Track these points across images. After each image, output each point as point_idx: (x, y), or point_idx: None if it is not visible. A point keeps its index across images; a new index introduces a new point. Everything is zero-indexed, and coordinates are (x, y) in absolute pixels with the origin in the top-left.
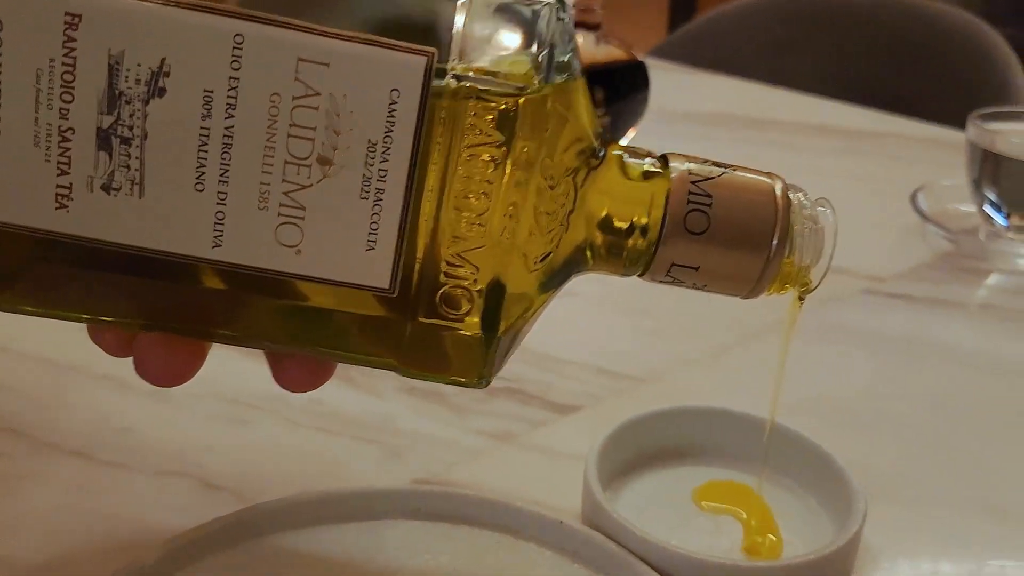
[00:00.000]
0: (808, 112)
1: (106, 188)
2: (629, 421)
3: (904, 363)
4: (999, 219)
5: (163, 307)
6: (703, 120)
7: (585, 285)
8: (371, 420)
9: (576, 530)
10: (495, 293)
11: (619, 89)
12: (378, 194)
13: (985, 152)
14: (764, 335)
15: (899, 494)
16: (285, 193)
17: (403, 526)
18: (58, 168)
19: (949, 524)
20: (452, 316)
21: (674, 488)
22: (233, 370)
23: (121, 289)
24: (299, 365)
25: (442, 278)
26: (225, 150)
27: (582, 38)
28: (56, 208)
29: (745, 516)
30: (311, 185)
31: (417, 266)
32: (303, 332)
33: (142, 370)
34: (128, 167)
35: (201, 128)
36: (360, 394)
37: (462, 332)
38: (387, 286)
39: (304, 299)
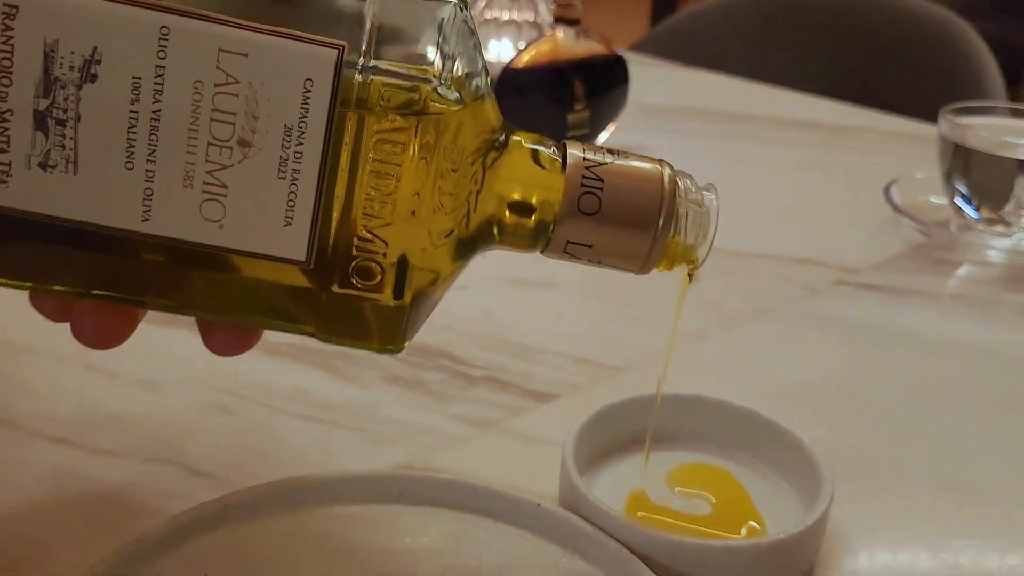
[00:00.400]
0: (785, 106)
1: (43, 166)
2: (605, 408)
3: (875, 351)
4: (970, 211)
5: (98, 277)
6: (682, 114)
7: (563, 275)
8: (355, 408)
9: (553, 512)
10: (403, 266)
11: (598, 84)
12: (294, 174)
13: (956, 146)
14: (739, 323)
15: (869, 476)
16: (208, 172)
17: (385, 510)
18: None
19: (915, 504)
20: (364, 286)
21: (649, 472)
22: (218, 359)
23: (59, 260)
24: (227, 331)
25: (354, 251)
26: (153, 132)
27: (562, 33)
28: None
29: (715, 499)
30: (232, 165)
31: (331, 240)
32: (229, 301)
33: (78, 334)
34: (63, 146)
35: (130, 112)
36: (344, 383)
37: (374, 301)
38: (303, 258)
39: (229, 270)
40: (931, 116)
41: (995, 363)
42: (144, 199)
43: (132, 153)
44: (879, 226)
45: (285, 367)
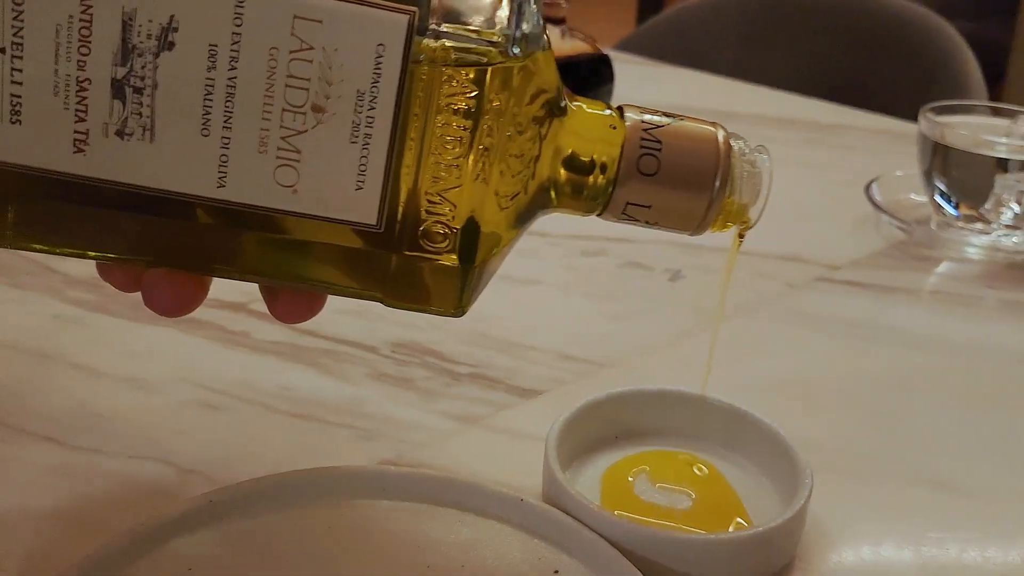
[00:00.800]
0: (768, 105)
1: (120, 134)
2: (588, 403)
3: (856, 347)
4: (949, 209)
5: (168, 244)
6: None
7: (548, 273)
8: (340, 404)
9: (536, 507)
10: (471, 228)
11: (584, 82)
12: (366, 139)
13: (936, 144)
14: (724, 320)
15: (848, 470)
16: (283, 138)
17: (370, 506)
18: (76, 115)
19: (894, 497)
20: (432, 249)
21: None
22: (205, 357)
23: (132, 228)
24: (292, 298)
25: (423, 215)
26: (228, 99)
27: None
28: (74, 152)
29: (694, 494)
30: (306, 131)
31: (401, 204)
32: (297, 266)
33: (150, 302)
34: (140, 114)
35: (207, 79)
36: (330, 380)
37: (442, 264)
38: (374, 222)
39: (300, 235)
40: (913, 114)
41: (974, 359)
42: (220, 166)
43: (208, 120)
44: (860, 223)
45: (272, 364)
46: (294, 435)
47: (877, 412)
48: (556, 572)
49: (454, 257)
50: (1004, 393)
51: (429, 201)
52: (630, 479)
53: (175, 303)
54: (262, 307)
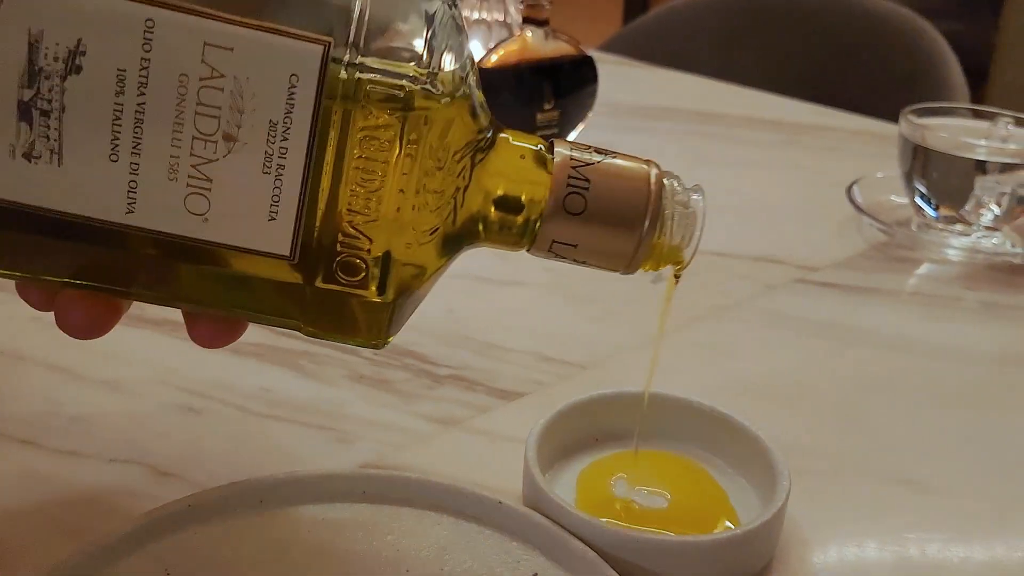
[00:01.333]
0: (751, 106)
1: (27, 156)
2: (568, 406)
3: (835, 348)
4: (929, 211)
5: (83, 267)
6: (650, 114)
7: (528, 274)
8: (320, 407)
9: (515, 510)
10: (387, 262)
11: (567, 84)
12: (279, 169)
13: (916, 146)
14: (702, 321)
15: (826, 471)
16: (193, 166)
17: (349, 508)
18: None
19: (872, 498)
20: (348, 282)
21: (611, 469)
22: (183, 358)
23: (44, 250)
24: (212, 322)
25: (339, 247)
26: (137, 124)
27: (530, 34)
28: None
29: (671, 495)
30: (217, 159)
31: (316, 235)
32: (214, 294)
33: (62, 323)
34: (48, 137)
35: (115, 104)
36: (309, 382)
37: (359, 297)
38: (288, 253)
39: (214, 263)
40: (895, 116)
41: (953, 360)
42: (129, 191)
43: (117, 145)
44: (841, 225)
45: (250, 366)
46: (273, 437)
47: (855, 413)
48: (535, 575)
49: (372, 290)
50: (982, 394)
51: (345, 234)
52: (609, 481)
53: (85, 326)
54: None
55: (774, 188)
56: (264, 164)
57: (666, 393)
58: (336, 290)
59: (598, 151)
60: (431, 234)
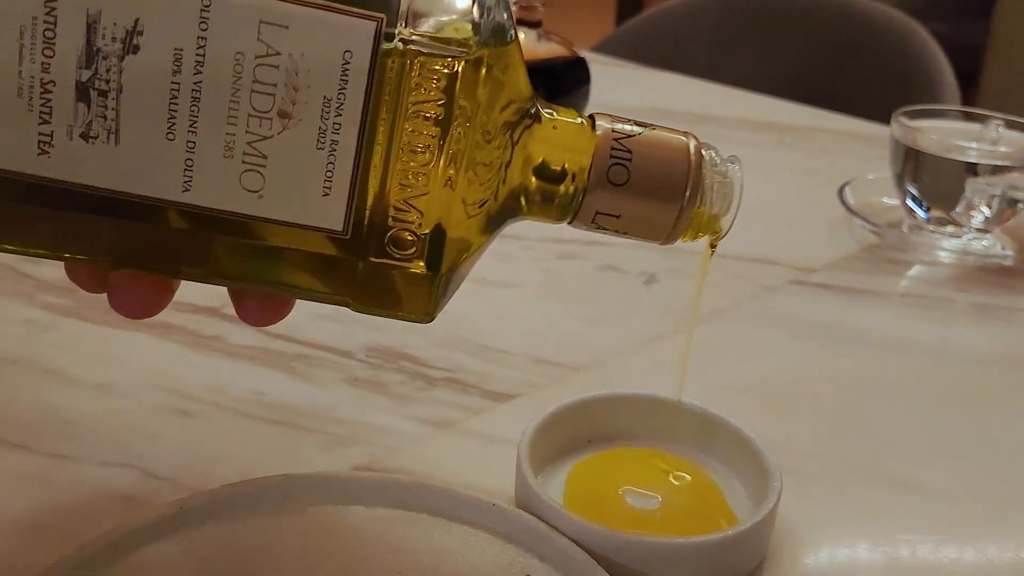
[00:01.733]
0: (743, 107)
1: (84, 136)
2: (560, 407)
3: (828, 349)
4: (920, 212)
5: (134, 247)
6: (643, 115)
7: (522, 275)
8: (313, 409)
9: (508, 512)
10: (438, 235)
11: (560, 85)
12: (333, 145)
13: (907, 149)
14: (699, 324)
15: (818, 472)
16: (248, 143)
17: (342, 511)
18: (40, 117)
19: (864, 499)
20: (399, 256)
21: (604, 470)
22: (177, 361)
23: (97, 230)
24: (259, 301)
25: (390, 222)
26: (194, 103)
27: (523, 35)
28: (39, 154)
29: (664, 495)
30: (272, 136)
31: (368, 211)
32: (264, 270)
33: (115, 303)
34: (105, 117)
35: (172, 83)
36: (302, 384)
37: (409, 271)
38: (341, 228)
39: (266, 240)
40: (887, 117)
41: (944, 361)
42: (185, 170)
43: (173, 124)
44: (833, 226)
45: (243, 369)
46: (267, 440)
47: (848, 414)
48: None
49: (422, 264)
50: (973, 395)
51: (396, 208)
52: (602, 482)
53: (139, 305)
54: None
55: (767, 189)
56: (318, 140)
57: (661, 395)
58: (386, 264)
59: (637, 123)
60: (480, 207)
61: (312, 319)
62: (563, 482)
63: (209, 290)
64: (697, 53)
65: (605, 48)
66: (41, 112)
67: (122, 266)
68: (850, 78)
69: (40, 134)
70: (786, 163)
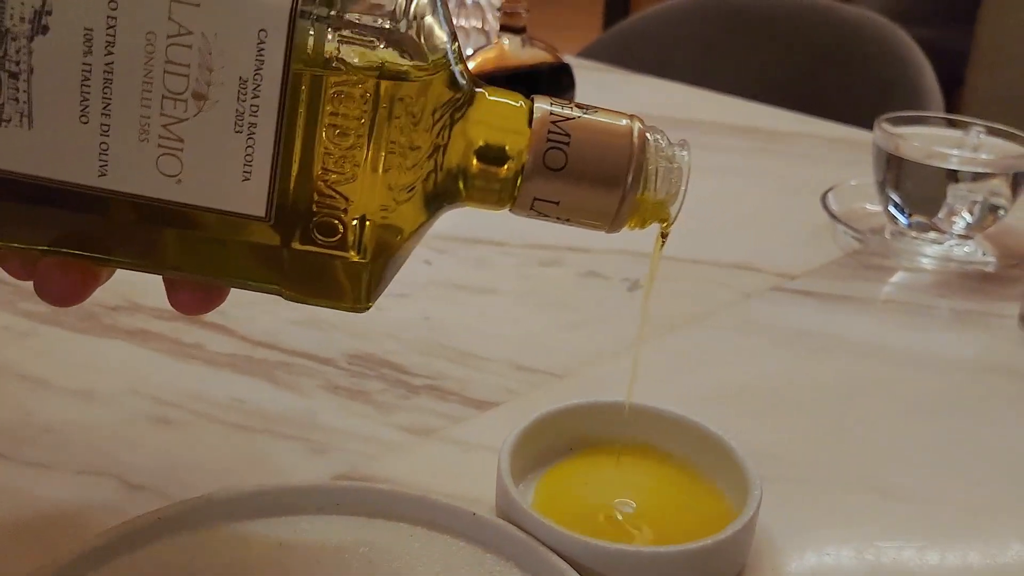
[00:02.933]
0: (727, 113)
1: None
2: (541, 416)
3: (810, 356)
4: (902, 219)
5: (59, 234)
6: None
7: (506, 283)
8: (293, 417)
9: (488, 521)
10: (364, 222)
11: (544, 90)
12: (251, 128)
13: (889, 155)
14: (679, 330)
15: (798, 479)
16: (164, 126)
17: (321, 520)
18: None
19: (844, 506)
20: (326, 243)
21: (584, 478)
22: (156, 368)
23: (19, 217)
24: (192, 291)
25: (315, 207)
26: (106, 85)
27: (508, 41)
28: None
29: (645, 503)
30: (188, 119)
31: (291, 195)
32: (192, 259)
33: (41, 292)
34: (17, 100)
35: (83, 64)
36: (282, 392)
37: (338, 258)
38: (263, 214)
39: (190, 227)
40: (870, 123)
41: (926, 367)
42: (100, 153)
43: (86, 107)
44: (816, 232)
45: (224, 376)
46: (246, 449)
47: (829, 421)
48: None
49: (351, 252)
50: (955, 401)
51: (321, 193)
52: (583, 491)
53: (64, 294)
54: (217, 318)
55: (750, 195)
56: (235, 123)
57: (638, 403)
58: (315, 252)
59: (579, 106)
60: (408, 192)
61: (293, 326)
62: (544, 490)
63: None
64: (682, 58)
65: (591, 53)
66: None
67: (52, 254)
68: (833, 83)
69: None
70: (769, 169)
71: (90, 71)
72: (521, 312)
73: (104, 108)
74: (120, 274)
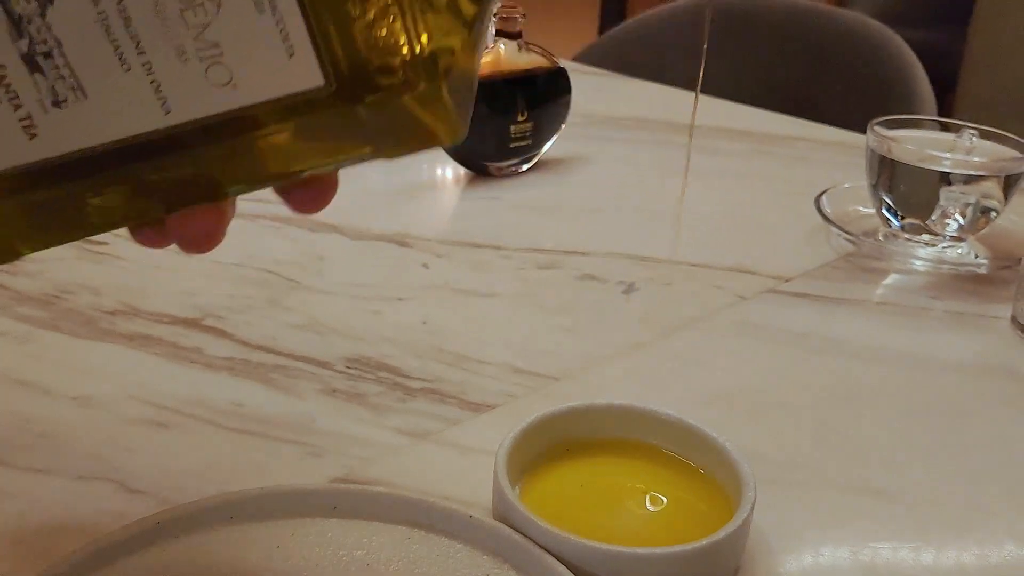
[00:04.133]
0: (722, 116)
1: (56, 103)
2: (538, 418)
3: (804, 358)
4: (895, 221)
5: (169, 186)
6: (623, 124)
7: (504, 286)
8: (291, 420)
9: (484, 524)
10: (420, 47)
11: (541, 95)
12: (272, 4)
13: (882, 158)
14: (675, 332)
15: (793, 480)
16: (194, 38)
17: (319, 524)
18: (12, 105)
19: (838, 508)
20: (393, 84)
21: (581, 480)
22: (154, 373)
23: (123, 186)
24: (302, 189)
25: (368, 53)
26: (127, 24)
27: (504, 46)
28: (30, 139)
29: (637, 507)
30: (211, 20)
31: (340, 54)
32: (285, 158)
33: (184, 244)
34: (63, 77)
35: (98, 14)
36: (280, 395)
37: (411, 95)
38: (323, 82)
39: (268, 126)
40: (863, 125)
41: (919, 369)
42: (155, 92)
43: (121, 53)
44: (810, 235)
45: (221, 380)
46: (244, 452)
47: (823, 423)
48: None
49: (420, 81)
50: (948, 403)
51: (367, 36)
52: (579, 493)
53: (202, 238)
54: (215, 323)
55: (745, 198)
56: (255, 4)
57: (634, 405)
58: (386, 98)
59: None
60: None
61: (291, 329)
62: (540, 492)
63: (188, 302)
64: (677, 61)
65: (587, 58)
66: (9, 99)
67: (171, 210)
68: (827, 87)
69: (20, 120)
70: (763, 172)
71: (107, 17)
72: (518, 315)
73: (137, 48)
74: (117, 279)
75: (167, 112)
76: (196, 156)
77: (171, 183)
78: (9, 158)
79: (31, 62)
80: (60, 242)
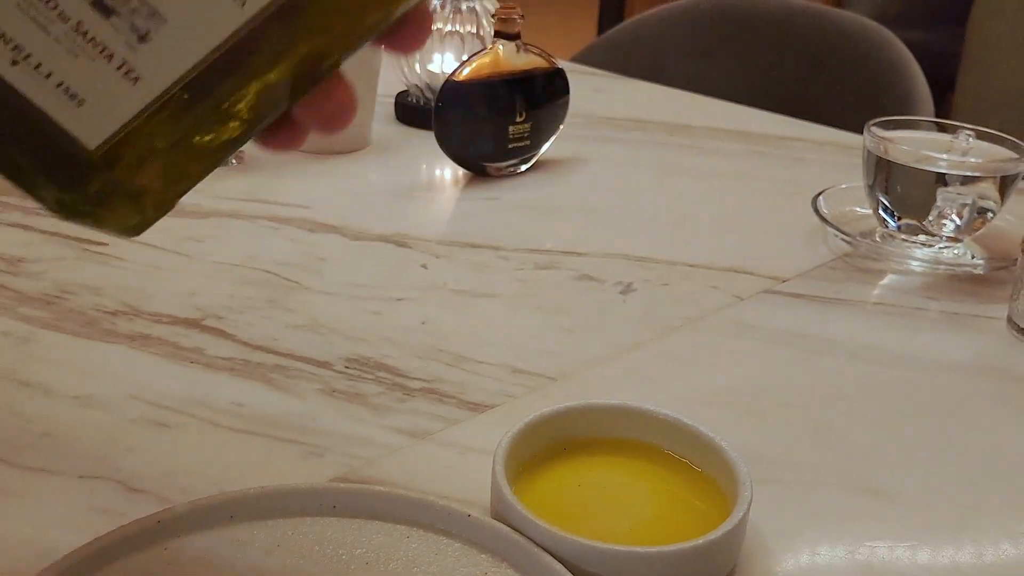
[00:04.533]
0: (719, 117)
1: (141, 39)
2: (536, 418)
3: (801, 358)
4: (892, 222)
5: (285, 76)
6: (621, 125)
7: (503, 286)
8: (291, 420)
9: (483, 523)
10: None
11: (539, 96)
12: None
13: (879, 159)
14: (672, 332)
15: (789, 480)
16: None
17: (319, 523)
18: (104, 57)
19: (834, 507)
20: None
21: (579, 480)
22: (156, 373)
23: (243, 91)
24: (403, 27)
25: None
26: None
27: (503, 47)
28: (134, 84)
29: (635, 506)
30: None
31: None
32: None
33: (322, 125)
34: (136, 10)
35: None
36: (280, 395)
37: None
38: None
39: None
40: (861, 126)
41: (916, 369)
42: None
43: None
44: (807, 235)
45: (222, 380)
46: (244, 452)
47: (819, 422)
48: None
49: None
50: (945, 403)
51: None
52: (577, 492)
53: (338, 113)
54: (216, 323)
55: (742, 199)
56: None
57: (631, 405)
58: None
59: None
60: None
61: (291, 330)
62: (538, 492)
63: (188, 302)
64: (675, 62)
65: (585, 58)
66: (101, 51)
67: (292, 103)
68: (824, 88)
69: (119, 68)
70: (760, 172)
71: None
72: (516, 316)
73: None
74: (118, 279)
75: (241, 5)
76: (287, 38)
77: (286, 71)
78: (125, 110)
79: (101, 6)
80: (210, 170)
